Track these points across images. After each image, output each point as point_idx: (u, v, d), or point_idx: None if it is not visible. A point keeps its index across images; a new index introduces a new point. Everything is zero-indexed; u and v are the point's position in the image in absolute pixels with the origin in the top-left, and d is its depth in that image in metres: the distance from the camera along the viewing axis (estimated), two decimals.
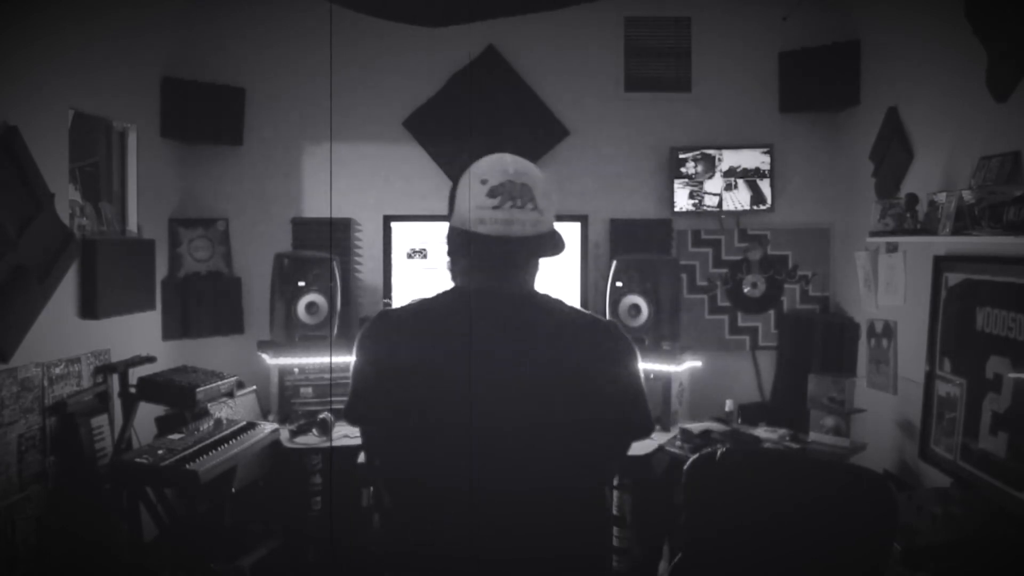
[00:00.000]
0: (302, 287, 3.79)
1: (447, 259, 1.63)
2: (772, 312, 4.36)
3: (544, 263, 1.65)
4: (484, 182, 1.55)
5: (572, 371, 1.52)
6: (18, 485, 2.85)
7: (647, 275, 3.79)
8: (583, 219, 4.05)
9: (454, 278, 1.63)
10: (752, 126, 4.31)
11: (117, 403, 3.37)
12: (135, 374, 3.38)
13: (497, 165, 1.57)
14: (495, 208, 1.53)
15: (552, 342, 1.54)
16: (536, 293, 1.62)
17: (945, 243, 3.09)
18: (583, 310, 1.65)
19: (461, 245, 1.57)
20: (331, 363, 3.81)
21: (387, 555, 1.61)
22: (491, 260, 1.56)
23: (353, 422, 1.74)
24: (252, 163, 4.28)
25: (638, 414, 1.60)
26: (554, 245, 1.60)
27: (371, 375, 1.61)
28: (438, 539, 1.49)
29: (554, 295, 1.63)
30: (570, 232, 3.96)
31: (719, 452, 2.37)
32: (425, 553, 1.53)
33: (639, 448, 3.40)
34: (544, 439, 1.49)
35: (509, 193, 1.53)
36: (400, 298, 3.97)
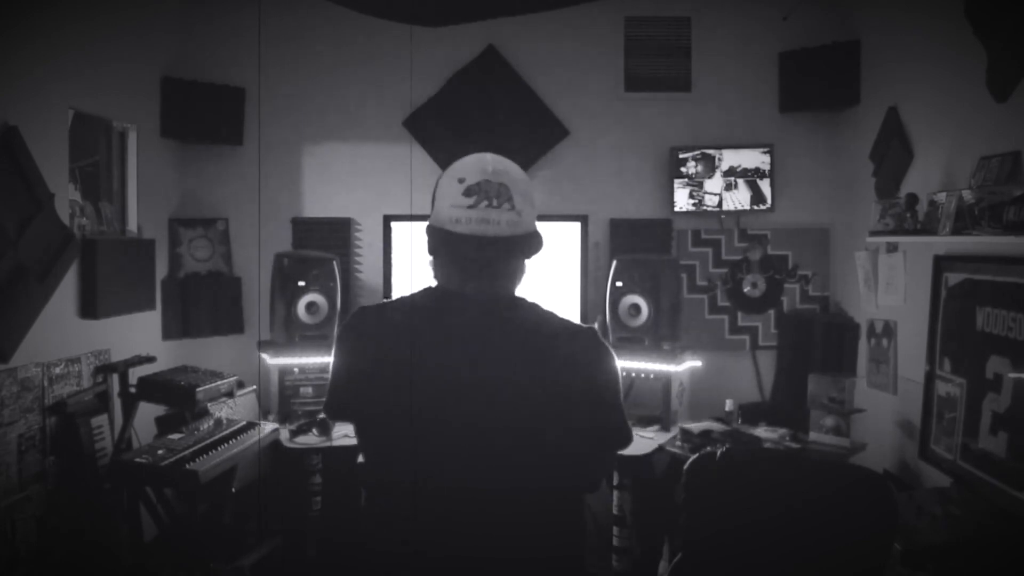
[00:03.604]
0: (302, 287, 3.79)
1: (429, 257, 1.62)
2: (772, 312, 4.36)
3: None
4: (461, 180, 1.54)
5: (544, 376, 1.50)
6: (18, 485, 2.85)
7: (647, 275, 3.78)
8: (583, 219, 4.04)
9: (435, 277, 1.62)
10: (752, 126, 4.31)
11: (117, 403, 3.37)
12: (135, 374, 3.38)
13: (476, 164, 1.56)
14: (470, 207, 1.51)
15: (525, 346, 1.53)
16: (514, 297, 1.60)
17: (945, 243, 3.09)
18: (561, 316, 1.61)
19: (438, 244, 1.57)
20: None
21: (369, 552, 1.60)
22: (467, 260, 1.54)
23: (331, 417, 1.76)
24: (252, 163, 4.27)
25: (614, 421, 1.58)
26: (532, 246, 1.58)
27: (346, 370, 1.61)
28: (409, 536, 1.49)
29: (532, 299, 1.61)
30: (570, 232, 3.95)
31: (719, 452, 2.37)
32: (400, 551, 1.52)
33: (639, 448, 3.40)
34: (510, 441, 1.48)
35: (485, 192, 1.51)
36: None
